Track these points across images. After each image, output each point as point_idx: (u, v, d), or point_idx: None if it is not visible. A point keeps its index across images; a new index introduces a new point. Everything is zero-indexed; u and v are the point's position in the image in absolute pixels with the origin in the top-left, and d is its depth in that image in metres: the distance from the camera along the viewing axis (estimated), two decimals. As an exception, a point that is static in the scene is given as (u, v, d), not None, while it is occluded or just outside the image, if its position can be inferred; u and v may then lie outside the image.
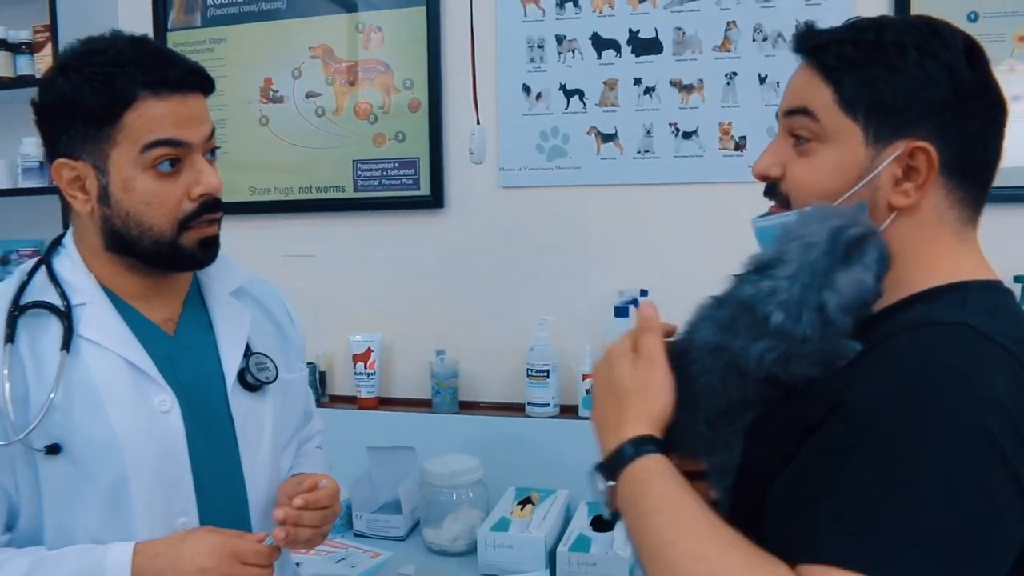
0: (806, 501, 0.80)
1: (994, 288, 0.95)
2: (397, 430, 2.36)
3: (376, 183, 2.51)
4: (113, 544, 1.19)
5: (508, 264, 2.43)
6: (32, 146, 2.71)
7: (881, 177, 0.92)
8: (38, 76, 2.63)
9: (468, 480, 2.12)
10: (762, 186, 1.03)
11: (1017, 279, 2.02)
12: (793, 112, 0.97)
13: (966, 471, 0.75)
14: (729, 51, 2.23)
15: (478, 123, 2.01)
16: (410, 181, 2.48)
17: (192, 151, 1.22)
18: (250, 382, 1.33)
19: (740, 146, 2.23)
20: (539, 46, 2.35)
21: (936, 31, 0.94)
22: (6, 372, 1.17)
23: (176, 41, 2.64)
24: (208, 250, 1.28)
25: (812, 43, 0.97)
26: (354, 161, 2.52)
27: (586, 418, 2.20)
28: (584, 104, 2.34)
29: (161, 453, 1.23)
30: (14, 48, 2.69)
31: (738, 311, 0.91)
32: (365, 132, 2.51)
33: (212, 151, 1.27)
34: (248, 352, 1.35)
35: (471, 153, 2.00)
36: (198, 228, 1.24)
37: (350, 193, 2.54)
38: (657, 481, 0.88)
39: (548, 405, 2.32)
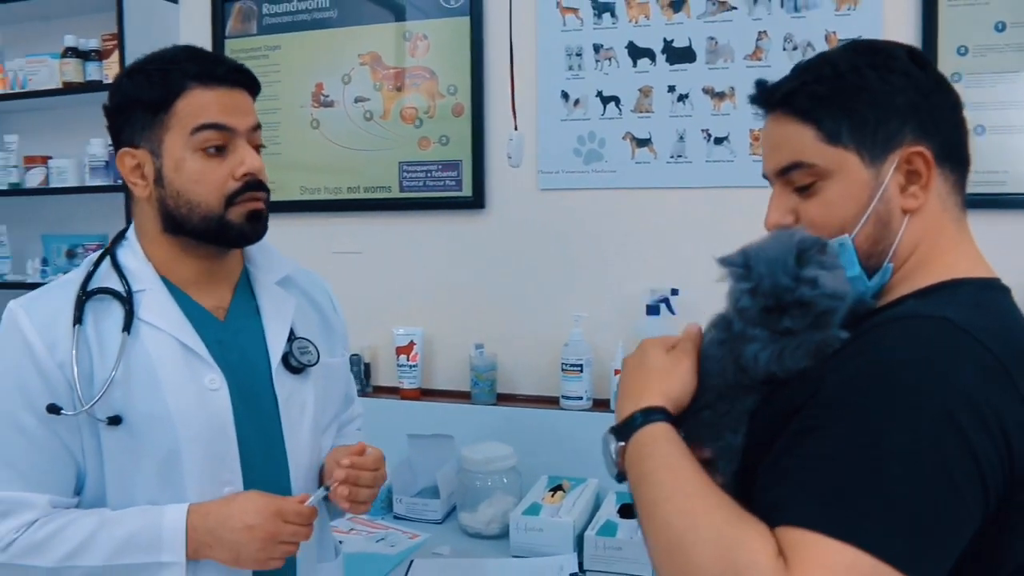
0: (782, 472, 0.87)
1: (986, 285, 1.01)
2: (437, 420, 2.47)
3: (420, 184, 2.62)
4: (170, 505, 1.30)
5: (545, 263, 2.52)
6: (99, 147, 2.87)
7: (888, 190, 0.99)
8: (106, 81, 2.80)
9: (502, 467, 2.22)
10: None
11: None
12: (786, 170, 1.03)
13: (927, 449, 0.81)
14: (760, 60, 2.31)
15: (516, 129, 2.12)
16: (453, 182, 2.58)
17: (236, 136, 1.34)
18: (293, 365, 1.44)
19: (770, 151, 2.30)
20: (577, 54, 2.44)
21: (878, 48, 1.03)
22: (74, 352, 1.29)
23: (233, 48, 2.79)
24: (255, 224, 1.38)
25: (779, 95, 1.03)
26: (400, 163, 2.64)
27: (617, 411, 2.33)
28: (620, 110, 2.43)
29: (210, 428, 1.34)
30: (84, 55, 2.85)
31: (732, 311, 1.02)
32: (411, 135, 2.63)
33: (257, 147, 1.39)
34: (292, 337, 1.46)
35: (509, 157, 2.11)
36: (243, 203, 1.35)
37: (396, 193, 2.65)
38: (662, 445, 0.97)
39: (581, 398, 2.41)
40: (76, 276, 1.38)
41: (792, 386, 0.96)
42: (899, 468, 0.81)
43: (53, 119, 3.06)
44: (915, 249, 1.01)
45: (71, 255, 2.98)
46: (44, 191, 2.96)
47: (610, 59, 2.42)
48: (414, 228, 2.66)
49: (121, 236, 1.44)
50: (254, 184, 1.36)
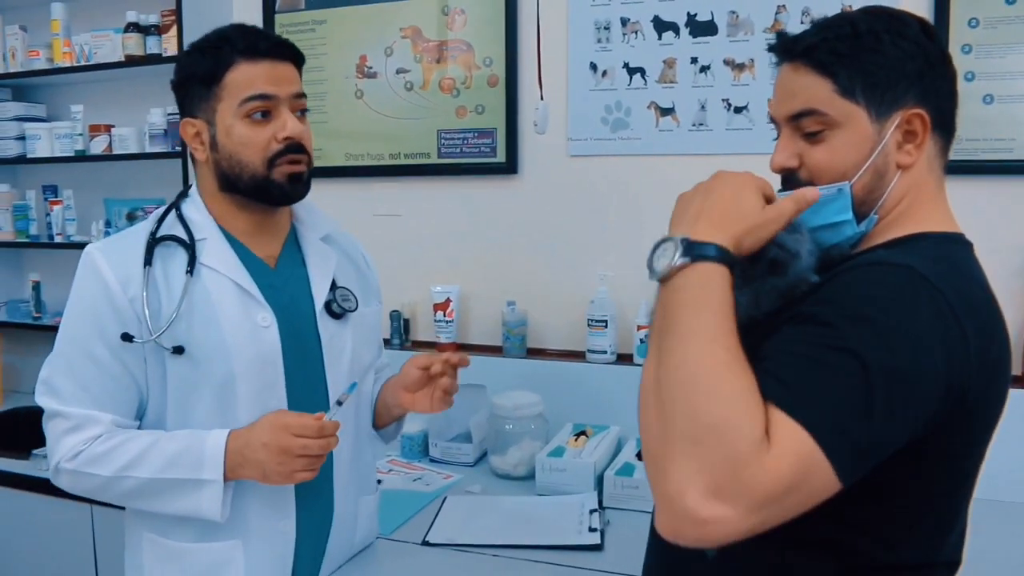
0: (768, 356, 0.95)
1: (947, 239, 1.09)
2: (471, 371, 2.49)
3: (457, 151, 2.76)
4: (214, 429, 1.46)
5: (573, 225, 2.64)
6: (158, 116, 3.00)
7: (887, 145, 1.07)
8: (165, 55, 2.93)
9: (530, 413, 2.36)
10: None
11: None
12: (799, 116, 1.09)
13: (878, 350, 0.89)
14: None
15: (542, 99, 2.25)
16: (488, 149, 2.71)
17: (279, 103, 1.49)
18: (335, 310, 1.61)
19: (787, 120, 2.41)
20: (605, 28, 2.55)
21: (895, 15, 1.10)
22: (145, 294, 1.46)
23: (282, 22, 2.94)
24: (296, 185, 1.52)
25: (801, 46, 1.09)
26: (438, 131, 2.78)
27: (640, 364, 2.44)
28: (645, 81, 2.53)
29: (261, 359, 1.50)
30: (144, 30, 2.97)
31: None
32: (448, 105, 2.76)
33: (302, 111, 1.54)
34: (333, 286, 1.62)
35: (535, 125, 2.25)
36: (284, 166, 1.49)
37: (434, 159, 2.79)
38: (719, 290, 0.95)
39: (606, 352, 2.54)
40: (146, 225, 1.55)
41: (773, 321, 1.03)
42: (849, 362, 0.89)
43: (116, 90, 3.21)
44: (899, 203, 1.09)
45: (131, 218, 3.09)
46: (107, 157, 3.09)
47: (636, 32, 2.53)
48: (451, 192, 2.79)
49: (184, 193, 1.61)
50: (295, 147, 1.50)
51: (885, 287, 0.96)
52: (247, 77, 1.47)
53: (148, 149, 3.04)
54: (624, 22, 2.54)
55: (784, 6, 2.40)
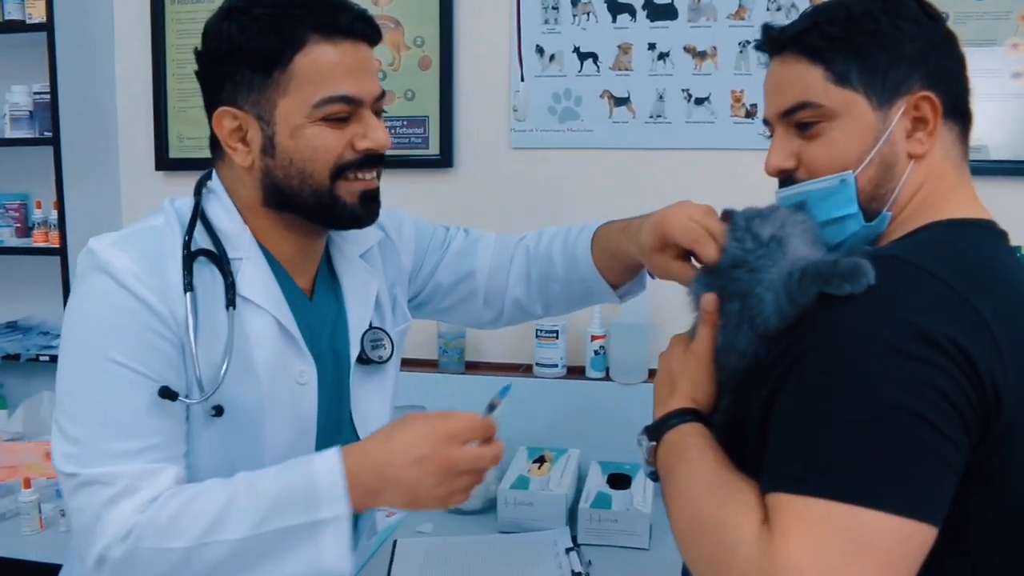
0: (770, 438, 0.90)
1: (966, 225, 1.00)
2: (403, 389, 2.35)
3: (382, 141, 2.48)
4: (315, 453, 1.11)
5: (518, 225, 2.32)
6: (22, 94, 2.60)
7: (895, 133, 0.99)
8: (29, 21, 2.53)
9: (482, 439, 2.14)
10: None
11: None
12: (791, 111, 1.03)
13: (877, 386, 0.81)
14: (743, 19, 2.25)
15: (522, 79, 2.01)
16: (419, 140, 2.47)
17: (363, 106, 1.17)
18: (363, 358, 1.30)
19: (751, 113, 2.27)
20: (554, 7, 2.35)
21: None
22: (193, 331, 1.10)
23: (173, -10, 2.58)
24: (369, 205, 1.22)
25: (788, 35, 1.03)
26: (360, 118, 2.50)
27: (593, 379, 2.27)
28: (598, 67, 2.35)
29: (295, 424, 1.21)
30: None
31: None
32: (372, 89, 2.48)
33: (379, 112, 1.22)
34: (368, 326, 1.32)
35: (515, 110, 2.00)
36: (354, 181, 1.19)
37: (355, 151, 2.51)
38: (690, 440, 1.01)
39: (556, 366, 2.35)
40: (166, 230, 1.17)
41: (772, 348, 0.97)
42: (853, 411, 0.82)
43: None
44: (915, 196, 1.01)
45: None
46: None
47: (588, 14, 2.33)
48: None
49: (204, 185, 1.23)
50: (374, 159, 1.20)
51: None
52: (325, 65, 1.13)
53: (9, 134, 2.63)
54: (574, 2, 2.34)
55: (751, -10, 2.24)
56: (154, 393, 1.09)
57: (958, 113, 1.03)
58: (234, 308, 1.15)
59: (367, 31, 1.17)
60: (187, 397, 1.12)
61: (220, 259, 1.17)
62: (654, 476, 1.06)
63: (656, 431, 1.06)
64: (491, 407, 1.15)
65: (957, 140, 1.03)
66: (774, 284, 0.96)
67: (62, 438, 1.09)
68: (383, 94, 1.21)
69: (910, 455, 0.80)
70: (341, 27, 1.13)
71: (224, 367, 1.13)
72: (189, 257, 1.14)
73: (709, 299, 1.06)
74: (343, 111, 1.15)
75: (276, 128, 1.15)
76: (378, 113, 1.21)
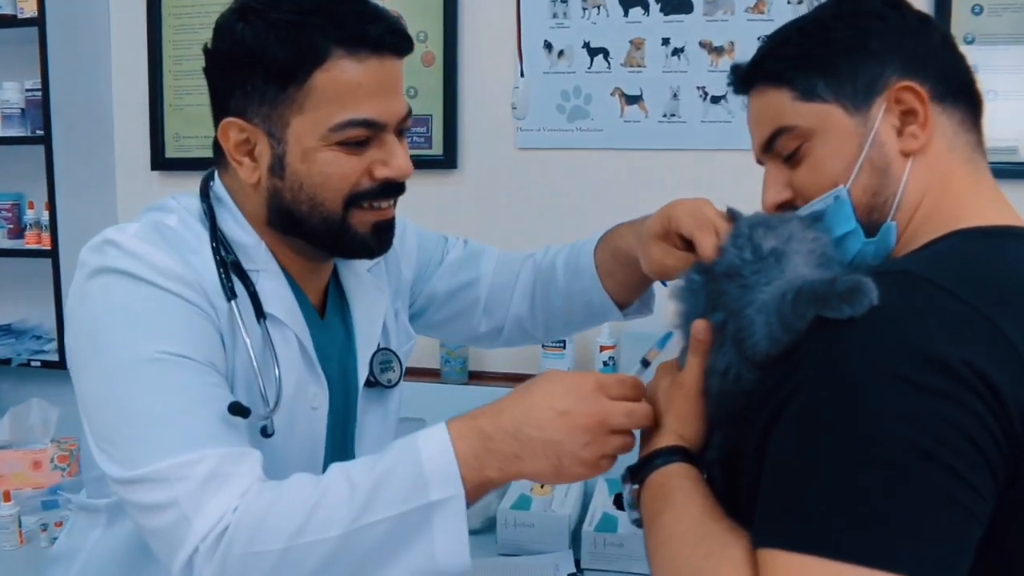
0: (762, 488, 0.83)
1: (985, 232, 0.90)
2: (404, 401, 2.29)
3: (384, 141, 2.41)
4: (421, 431, 0.97)
5: (524, 229, 2.37)
6: (14, 91, 2.56)
7: (881, 134, 0.94)
8: (21, 16, 2.48)
9: (482, 454, 2.06)
10: None
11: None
12: (771, 140, 0.99)
13: (883, 428, 0.73)
14: (763, 13, 2.18)
15: (522, 75, 1.93)
16: (421, 139, 2.40)
17: (387, 130, 1.07)
18: (371, 381, 1.23)
19: (770, 112, 2.17)
20: (563, 1, 2.28)
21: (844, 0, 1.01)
22: (249, 341, 1.03)
23: (169, -17, 2.51)
24: (382, 236, 1.12)
25: (751, 71, 1.01)
26: (361, 117, 2.43)
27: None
28: (608, 64, 2.28)
29: (305, 448, 1.14)
30: None
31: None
32: (373, 86, 2.41)
33: (402, 131, 1.11)
34: (377, 347, 1.25)
35: (514, 108, 1.92)
36: (368, 212, 1.09)
37: (357, 151, 2.44)
38: (676, 483, 0.92)
39: (563, 377, 2.25)
40: (188, 234, 1.07)
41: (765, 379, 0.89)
42: (855, 456, 0.73)
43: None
44: (922, 199, 0.94)
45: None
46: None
47: (599, 7, 2.27)
48: (377, 190, 2.46)
49: (209, 186, 1.14)
50: (393, 189, 1.10)
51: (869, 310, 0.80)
52: (347, 85, 1.03)
53: (0, 133, 2.58)
54: (585, -5, 2.27)
55: (770, -18, 2.15)
56: (214, 378, 1.01)
57: (955, 96, 0.95)
58: (265, 320, 1.08)
59: (398, 44, 1.06)
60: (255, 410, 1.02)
61: (242, 269, 1.09)
62: (639, 523, 0.95)
63: (639, 472, 0.96)
64: (645, 363, 1.05)
65: (961, 128, 0.95)
66: (766, 306, 0.86)
67: (111, 448, 0.97)
68: (409, 113, 1.11)
69: (925, 507, 0.71)
70: (369, 41, 1.02)
71: (279, 381, 1.06)
72: (224, 264, 1.05)
73: (700, 326, 0.95)
74: (362, 135, 1.05)
75: (287, 148, 1.05)
76: (402, 133, 1.11)
